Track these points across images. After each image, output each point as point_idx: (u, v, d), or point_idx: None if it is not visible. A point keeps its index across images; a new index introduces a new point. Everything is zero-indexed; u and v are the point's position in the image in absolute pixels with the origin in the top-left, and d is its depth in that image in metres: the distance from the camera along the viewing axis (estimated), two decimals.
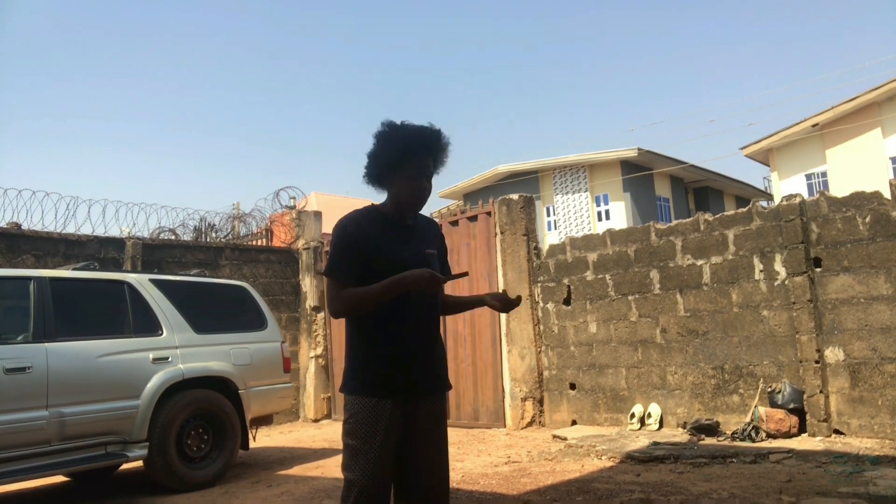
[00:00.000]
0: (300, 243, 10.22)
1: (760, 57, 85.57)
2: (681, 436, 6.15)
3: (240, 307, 6.28)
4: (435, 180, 2.42)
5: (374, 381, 2.26)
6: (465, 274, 2.49)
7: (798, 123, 19.71)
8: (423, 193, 2.34)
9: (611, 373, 7.11)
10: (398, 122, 2.33)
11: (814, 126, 19.44)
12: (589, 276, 7.37)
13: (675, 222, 6.81)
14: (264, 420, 6.28)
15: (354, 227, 2.29)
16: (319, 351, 9.86)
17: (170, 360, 5.37)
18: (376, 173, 2.35)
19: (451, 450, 6.51)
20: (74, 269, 5.56)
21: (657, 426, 6.57)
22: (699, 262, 6.53)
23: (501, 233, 7.98)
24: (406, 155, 2.29)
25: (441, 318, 2.54)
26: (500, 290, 2.42)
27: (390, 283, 2.19)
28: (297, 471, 5.94)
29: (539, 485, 4.76)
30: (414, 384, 2.30)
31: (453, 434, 7.50)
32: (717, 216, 6.54)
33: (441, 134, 2.36)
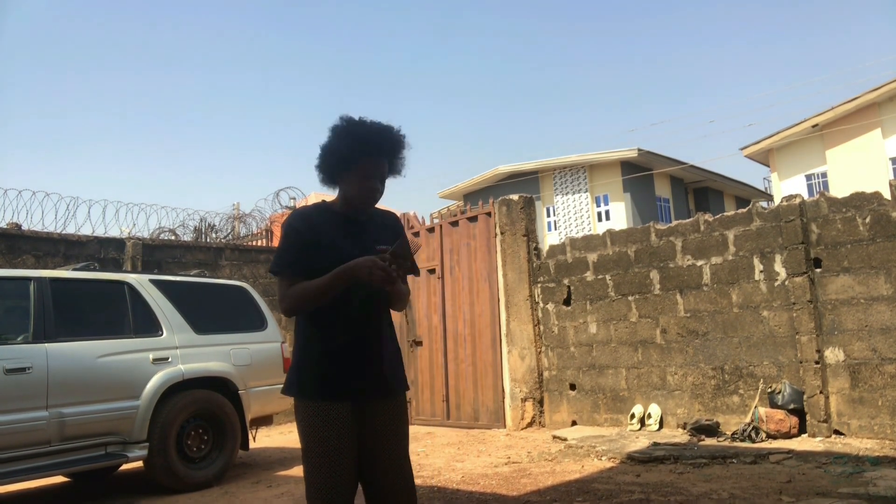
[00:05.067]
0: None
1: (760, 57, 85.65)
2: (681, 436, 6.14)
3: (240, 307, 6.28)
4: (406, 181, 2.37)
5: (320, 385, 2.18)
6: (387, 250, 2.19)
7: (798, 124, 19.71)
8: (374, 194, 2.25)
9: (611, 373, 7.11)
10: (356, 117, 2.26)
11: (814, 126, 19.43)
12: (589, 276, 7.37)
13: (675, 223, 6.81)
14: (264, 420, 6.28)
15: (301, 222, 2.23)
16: None
17: (170, 360, 5.37)
18: (328, 169, 2.26)
19: (452, 450, 6.54)
20: (74, 269, 5.56)
21: (657, 427, 6.56)
22: (699, 263, 6.53)
23: (501, 233, 7.98)
24: (359, 153, 2.20)
25: (393, 315, 2.40)
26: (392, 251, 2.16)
27: (335, 273, 2.10)
28: (297, 471, 5.94)
29: (539, 485, 4.75)
30: (363, 389, 2.21)
31: (453, 434, 7.51)
32: (717, 217, 6.54)
33: (398, 134, 2.28)
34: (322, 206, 2.32)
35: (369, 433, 2.22)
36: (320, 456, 2.14)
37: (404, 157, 2.33)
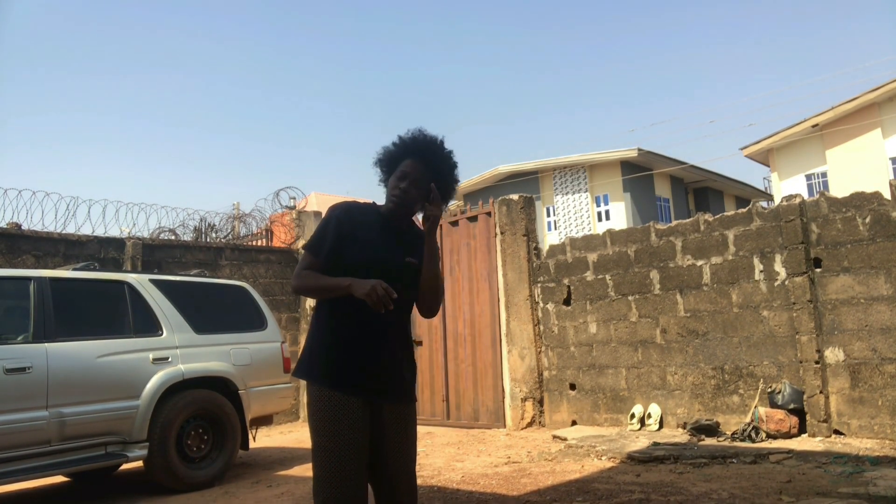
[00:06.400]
0: (300, 243, 10.21)
1: (760, 57, 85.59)
2: (681, 436, 6.14)
3: (240, 307, 6.28)
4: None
5: (332, 372, 2.23)
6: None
7: (798, 124, 19.71)
8: (401, 195, 2.32)
9: (611, 373, 7.11)
10: (424, 130, 2.39)
11: (814, 126, 19.43)
12: (589, 276, 7.36)
13: (675, 223, 6.81)
14: (264, 420, 6.27)
15: (342, 212, 2.34)
16: None
17: (170, 360, 5.37)
18: (382, 167, 2.43)
19: (452, 450, 6.53)
20: (74, 269, 5.56)
21: (657, 426, 6.56)
22: (699, 263, 6.53)
23: (501, 233, 7.98)
24: (397, 156, 2.37)
25: (412, 331, 2.51)
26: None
27: (338, 282, 2.21)
28: (297, 471, 5.94)
29: (539, 485, 4.75)
30: (374, 388, 2.25)
31: (453, 434, 7.51)
32: (717, 216, 6.54)
33: (446, 151, 2.38)
34: (367, 205, 2.43)
35: (379, 434, 2.26)
36: (330, 451, 2.16)
37: (451, 175, 2.40)
